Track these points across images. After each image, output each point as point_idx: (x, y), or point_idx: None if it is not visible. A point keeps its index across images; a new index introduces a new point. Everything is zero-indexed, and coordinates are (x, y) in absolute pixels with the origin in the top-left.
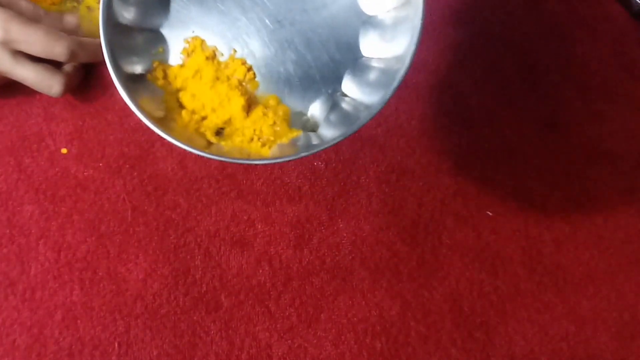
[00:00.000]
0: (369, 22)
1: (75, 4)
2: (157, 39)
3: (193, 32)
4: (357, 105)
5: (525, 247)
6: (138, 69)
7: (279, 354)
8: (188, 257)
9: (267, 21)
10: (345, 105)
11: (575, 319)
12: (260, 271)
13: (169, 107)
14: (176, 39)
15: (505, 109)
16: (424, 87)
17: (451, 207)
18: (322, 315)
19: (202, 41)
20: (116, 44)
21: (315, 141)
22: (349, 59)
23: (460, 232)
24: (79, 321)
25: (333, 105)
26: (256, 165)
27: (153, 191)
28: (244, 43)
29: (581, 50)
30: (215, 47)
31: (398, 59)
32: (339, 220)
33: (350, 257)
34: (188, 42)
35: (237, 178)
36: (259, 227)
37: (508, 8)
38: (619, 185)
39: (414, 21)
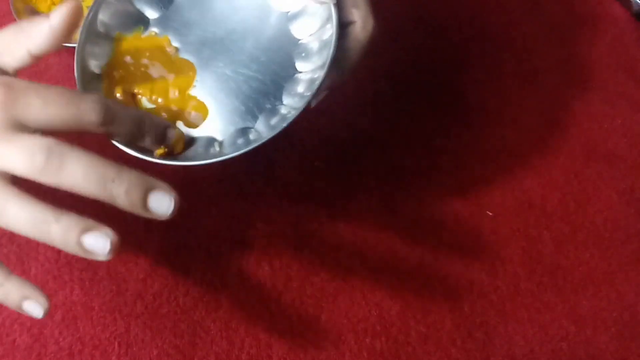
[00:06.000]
0: (299, 44)
1: None
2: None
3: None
4: (290, 109)
5: (525, 247)
6: (97, 69)
7: (279, 354)
8: (188, 257)
9: (223, 54)
10: (283, 110)
11: (575, 319)
12: (260, 271)
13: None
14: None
15: (505, 109)
16: (424, 88)
17: (451, 207)
18: (322, 315)
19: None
20: (88, 54)
21: (254, 137)
22: (287, 75)
23: (460, 232)
24: (79, 321)
25: (274, 112)
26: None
27: None
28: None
29: (581, 50)
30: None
31: (320, 68)
32: (339, 220)
33: (350, 257)
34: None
35: (238, 178)
36: (259, 227)
37: (508, 8)
38: (618, 185)
39: (330, 42)
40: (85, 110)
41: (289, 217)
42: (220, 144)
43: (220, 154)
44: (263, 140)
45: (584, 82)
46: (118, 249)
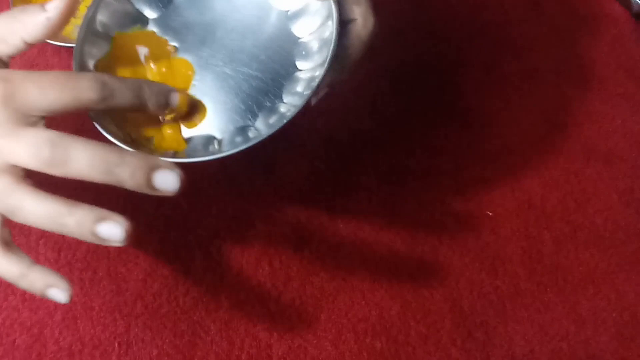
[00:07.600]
0: (299, 42)
1: None
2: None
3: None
4: (290, 108)
5: (525, 247)
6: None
7: (279, 354)
8: (188, 257)
9: (222, 52)
10: (283, 108)
11: (575, 319)
12: (260, 271)
13: None
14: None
15: (505, 108)
16: (424, 88)
17: (451, 207)
18: (322, 315)
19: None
20: (85, 51)
21: (253, 136)
22: (287, 73)
23: (460, 232)
24: (79, 321)
25: (273, 111)
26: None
27: None
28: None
29: (581, 50)
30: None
31: (320, 66)
32: (339, 220)
33: (350, 257)
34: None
35: (237, 178)
36: (259, 227)
37: (508, 8)
38: (618, 185)
39: (330, 40)
40: (83, 90)
41: (289, 217)
42: (220, 142)
43: (219, 151)
44: (262, 138)
45: (584, 82)
46: (133, 235)
